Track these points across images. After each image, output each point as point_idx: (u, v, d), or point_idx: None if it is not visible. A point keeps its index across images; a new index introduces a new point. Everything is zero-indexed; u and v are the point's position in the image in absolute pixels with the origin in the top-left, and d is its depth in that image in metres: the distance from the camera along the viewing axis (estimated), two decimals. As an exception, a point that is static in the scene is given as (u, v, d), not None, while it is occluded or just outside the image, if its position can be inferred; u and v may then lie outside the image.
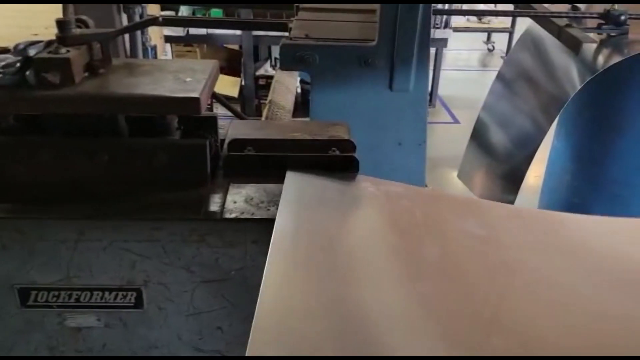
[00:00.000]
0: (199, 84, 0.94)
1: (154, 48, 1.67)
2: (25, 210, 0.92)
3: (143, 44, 1.35)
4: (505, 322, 0.73)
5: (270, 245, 0.76)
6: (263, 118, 2.46)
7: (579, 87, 2.21)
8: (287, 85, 2.83)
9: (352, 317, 0.70)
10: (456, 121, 4.84)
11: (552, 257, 0.88)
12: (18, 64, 0.88)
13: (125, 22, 1.55)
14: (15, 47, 0.91)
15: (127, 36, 1.22)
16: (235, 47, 4.86)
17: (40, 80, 0.89)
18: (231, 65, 4.76)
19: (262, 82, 4.65)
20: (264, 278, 0.70)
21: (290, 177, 0.97)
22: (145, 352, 1.04)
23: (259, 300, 0.68)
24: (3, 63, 0.89)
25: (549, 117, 2.37)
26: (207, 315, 1.01)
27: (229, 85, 4.55)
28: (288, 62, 2.15)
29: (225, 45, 4.97)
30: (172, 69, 1.01)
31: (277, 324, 0.67)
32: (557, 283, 0.82)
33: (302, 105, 3.86)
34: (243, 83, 4.61)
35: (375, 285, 0.76)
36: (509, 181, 2.74)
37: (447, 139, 4.41)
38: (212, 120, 1.08)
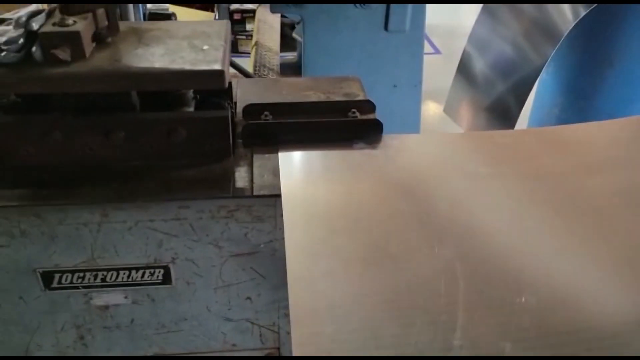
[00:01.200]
0: (218, 52, 0.88)
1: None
2: (44, 196, 0.87)
3: (132, -5, 1.26)
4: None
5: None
6: (251, 62, 2.37)
7: (573, 22, 2.18)
8: (271, 24, 2.71)
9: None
10: (437, 51, 4.75)
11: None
12: (21, 40, 0.81)
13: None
14: (15, 19, 0.82)
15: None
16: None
17: (48, 56, 0.81)
18: (203, -2, 4.52)
19: (237, 16, 4.45)
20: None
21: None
22: (175, 325, 1.04)
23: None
24: (4, 38, 0.81)
25: (541, 55, 2.34)
26: (235, 287, 1.00)
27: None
28: (279, 2, 2.06)
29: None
30: (183, 34, 0.94)
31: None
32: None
33: (282, 40, 3.73)
34: (217, 18, 4.41)
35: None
36: (498, 113, 2.74)
37: (429, 71, 4.34)
38: (227, 87, 1.02)
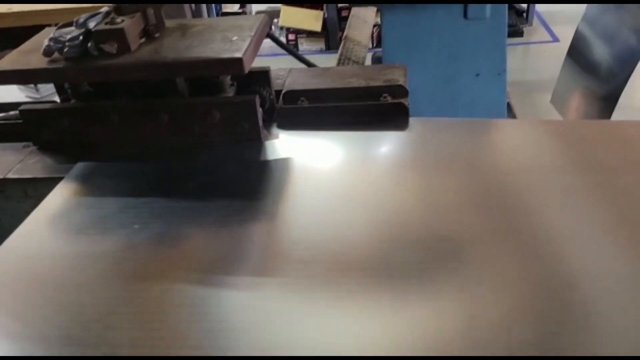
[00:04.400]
0: (243, 43, 0.97)
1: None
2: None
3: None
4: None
5: None
6: (338, 55, 2.45)
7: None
8: (364, 19, 2.77)
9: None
10: (555, 39, 4.47)
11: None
12: (81, 37, 0.96)
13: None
14: (77, 20, 0.98)
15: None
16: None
17: (101, 50, 0.96)
18: (313, -3, 4.70)
19: (345, 13, 4.56)
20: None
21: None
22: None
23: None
24: (68, 37, 0.97)
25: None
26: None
27: (312, 20, 4.51)
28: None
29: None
30: (221, 28, 1.05)
31: None
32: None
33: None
34: (326, 16, 4.55)
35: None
36: (609, 103, 2.54)
37: (544, 60, 4.11)
38: (265, 74, 1.12)
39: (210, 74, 1.01)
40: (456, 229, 0.80)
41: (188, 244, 0.84)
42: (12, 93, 1.29)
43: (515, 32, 4.46)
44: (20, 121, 1.12)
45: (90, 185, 0.99)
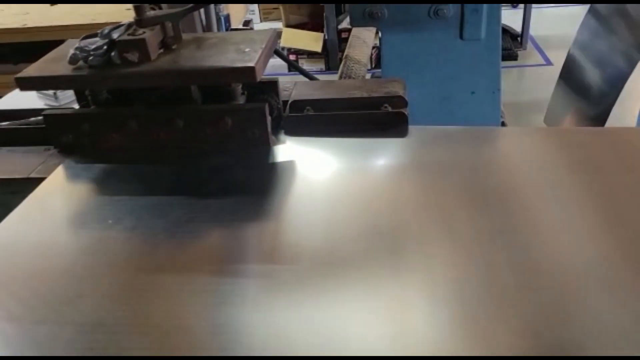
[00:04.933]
0: (255, 54, 1.05)
1: (227, 17, 1.78)
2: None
3: (216, 13, 1.47)
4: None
5: None
6: (339, 74, 2.54)
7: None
8: (364, 39, 2.87)
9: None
10: (549, 63, 4.60)
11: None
12: (105, 47, 1.04)
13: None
14: (101, 31, 1.06)
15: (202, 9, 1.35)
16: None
17: (122, 59, 1.04)
18: (314, 20, 4.83)
19: (345, 35, 4.68)
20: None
21: None
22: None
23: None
24: (93, 46, 1.05)
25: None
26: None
27: (312, 41, 4.63)
28: (358, 18, 2.20)
29: (309, -1, 5.02)
30: (235, 41, 1.13)
31: None
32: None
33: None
34: (326, 38, 4.68)
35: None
36: (598, 122, 2.64)
37: (537, 82, 4.23)
38: (274, 84, 1.19)
39: (225, 82, 1.09)
40: (454, 226, 0.87)
41: (204, 239, 0.90)
42: (31, 101, 1.36)
43: (509, 55, 4.58)
44: (42, 126, 1.19)
45: (101, 186, 1.06)
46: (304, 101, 1.22)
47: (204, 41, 1.15)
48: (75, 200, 1.03)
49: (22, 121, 1.27)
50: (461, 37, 2.12)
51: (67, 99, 1.69)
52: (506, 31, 4.94)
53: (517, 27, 4.85)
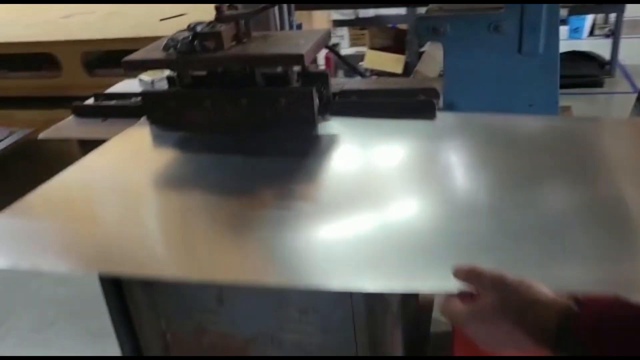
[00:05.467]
0: (307, 45, 1.28)
1: (300, 26, 2.02)
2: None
3: (290, 23, 1.73)
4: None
5: None
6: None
7: None
8: (434, 57, 3.04)
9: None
10: (635, 91, 4.49)
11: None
12: (190, 37, 1.31)
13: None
14: (189, 25, 1.34)
15: (278, 16, 1.62)
16: (404, 27, 5.12)
17: (202, 47, 1.31)
18: (397, 44, 5.04)
19: (426, 57, 4.84)
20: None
21: None
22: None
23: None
24: (182, 37, 1.33)
25: None
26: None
27: (393, 63, 4.83)
28: (424, 33, 2.40)
29: (396, 24, 5.25)
30: (294, 37, 1.37)
31: None
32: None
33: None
34: (408, 60, 4.86)
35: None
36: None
37: (620, 109, 4.15)
38: (325, 76, 1.41)
39: (280, 65, 1.33)
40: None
41: (263, 187, 1.15)
42: (133, 88, 1.68)
43: (595, 82, 4.54)
44: (138, 105, 1.49)
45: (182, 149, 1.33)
46: (351, 91, 1.44)
47: (269, 37, 1.40)
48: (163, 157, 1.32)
49: (124, 101, 1.59)
50: (520, 51, 2.25)
51: (161, 87, 2.01)
52: (593, 58, 4.89)
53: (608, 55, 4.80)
